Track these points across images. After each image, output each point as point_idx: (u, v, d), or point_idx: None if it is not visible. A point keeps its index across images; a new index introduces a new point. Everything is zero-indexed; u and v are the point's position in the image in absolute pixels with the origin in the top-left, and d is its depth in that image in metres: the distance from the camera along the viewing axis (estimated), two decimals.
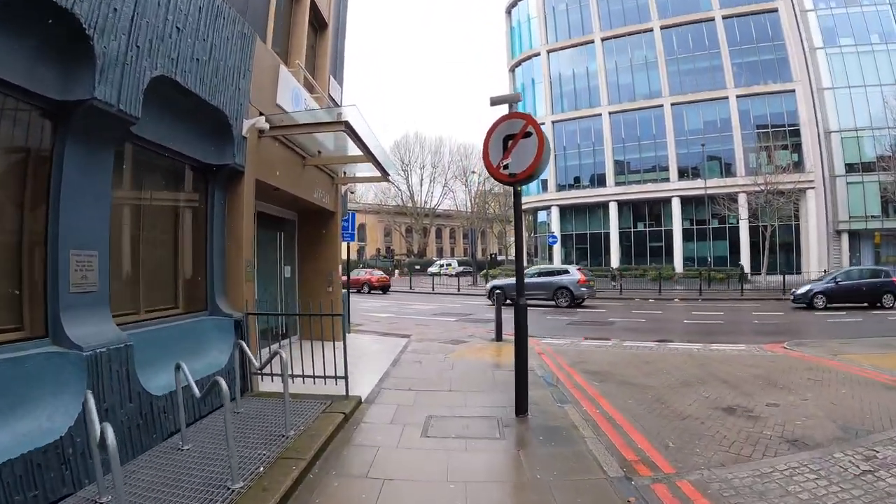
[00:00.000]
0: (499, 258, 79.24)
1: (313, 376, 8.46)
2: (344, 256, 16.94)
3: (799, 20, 43.70)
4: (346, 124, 9.06)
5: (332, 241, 14.09)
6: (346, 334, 15.39)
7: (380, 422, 7.40)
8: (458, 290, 40.28)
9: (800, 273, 39.84)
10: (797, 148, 43.36)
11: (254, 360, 7.61)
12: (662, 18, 47.90)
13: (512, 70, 57.21)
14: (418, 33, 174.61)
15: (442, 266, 65.80)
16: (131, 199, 6.88)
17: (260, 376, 8.55)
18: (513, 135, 7.37)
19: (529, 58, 55.02)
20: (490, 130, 7.54)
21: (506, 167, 7.43)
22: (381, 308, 26.18)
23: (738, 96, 44.86)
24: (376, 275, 42.03)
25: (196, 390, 5.55)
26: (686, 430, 7.03)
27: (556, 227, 50.96)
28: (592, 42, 50.77)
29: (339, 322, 13.36)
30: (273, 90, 9.84)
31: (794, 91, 43.51)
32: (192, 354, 7.10)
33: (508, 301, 21.18)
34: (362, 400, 8.49)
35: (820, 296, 23.85)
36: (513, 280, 27.82)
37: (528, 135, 7.28)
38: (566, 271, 27.68)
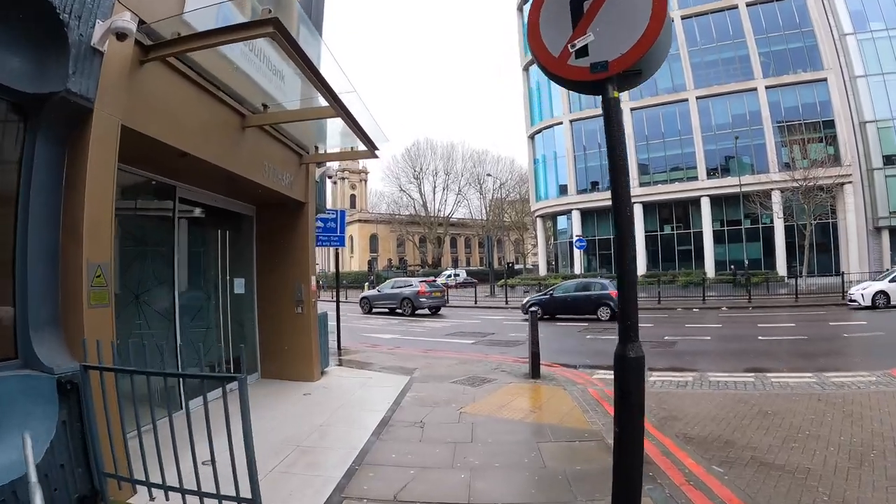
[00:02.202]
0: (516, 267, 74.94)
1: (209, 495, 4.15)
2: (340, 265, 13.05)
3: (826, 4, 39.59)
4: (275, 23, 4.95)
5: (301, 242, 9.97)
6: (326, 369, 11.41)
7: None
8: (476, 302, 35.98)
9: (839, 274, 35.55)
10: (832, 140, 39.07)
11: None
12: (683, 8, 43.89)
13: (526, 69, 52.94)
14: (426, 39, 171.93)
15: (449, 276, 62.89)
16: None
17: (119, 481, 4.49)
18: None
19: None
20: None
21: (580, 51, 3.36)
22: (384, 327, 21.95)
23: (767, 87, 40.72)
24: None
25: None
26: None
27: (577, 233, 46.59)
28: None
29: (311, 357, 9.44)
30: None
31: (825, 80, 39.32)
32: None
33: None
34: None
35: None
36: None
37: None
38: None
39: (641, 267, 44.41)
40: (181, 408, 9.21)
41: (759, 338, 15.41)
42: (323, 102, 7.14)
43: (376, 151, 9.01)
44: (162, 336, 7.63)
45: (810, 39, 39.92)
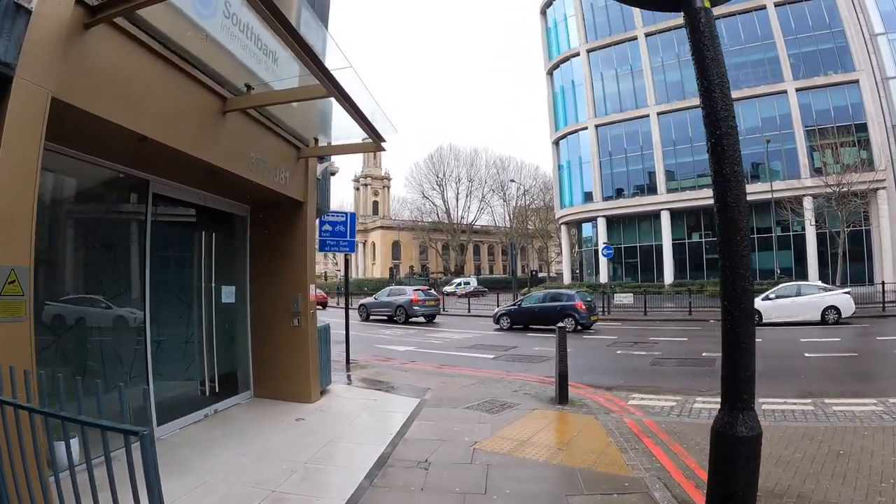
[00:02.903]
0: (539, 275, 73.37)
1: None
2: (350, 272, 11.87)
3: (856, 4, 37.56)
4: None
5: (298, 247, 8.80)
6: (328, 387, 10.26)
7: None
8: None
9: (872, 283, 33.57)
10: (865, 144, 36.95)
11: None
12: None
13: (550, 73, 51.65)
14: (448, 45, 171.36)
15: (459, 285, 60.32)
16: None
17: None
18: None
19: (568, 59, 49.41)
20: None
21: None
22: (401, 338, 20.64)
23: (797, 90, 38.87)
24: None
25: None
26: None
27: (602, 240, 45.01)
28: (635, 38, 45.11)
29: (309, 375, 8.33)
30: None
31: (857, 81, 37.25)
32: None
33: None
34: None
35: None
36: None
37: None
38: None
39: (669, 276, 43.03)
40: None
41: (805, 354, 13.90)
42: (315, 82, 6.01)
43: (383, 144, 7.85)
44: (128, 353, 6.54)
45: (841, 40, 38.06)
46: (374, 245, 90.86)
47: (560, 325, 20.74)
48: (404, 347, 17.19)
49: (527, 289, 40.61)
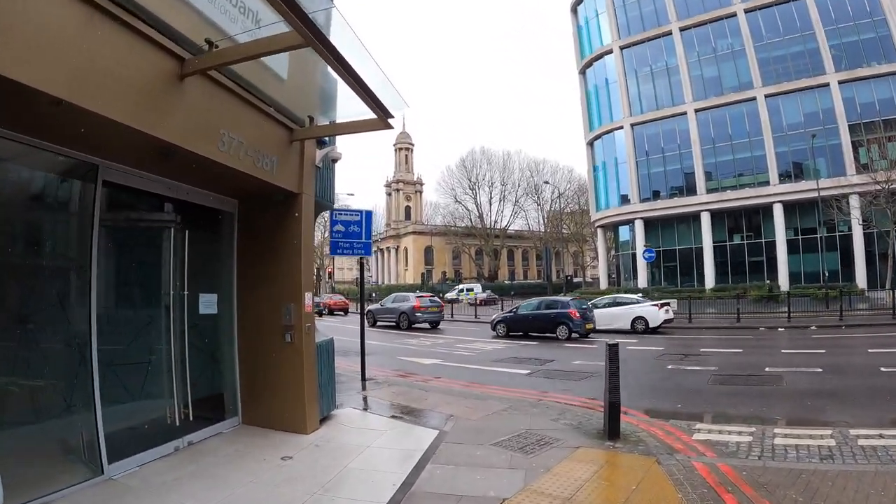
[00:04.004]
0: (574, 280, 71.16)
1: None
2: (366, 277, 10.33)
3: None
4: None
5: (291, 248, 7.25)
6: (333, 412, 8.68)
7: None
8: None
9: None
10: None
11: None
12: (745, 2, 40.11)
13: (582, 72, 49.87)
14: (478, 46, 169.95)
15: (461, 291, 56.99)
16: None
17: None
18: None
19: (601, 56, 47.69)
20: None
21: None
22: (429, 349, 18.90)
23: (840, 82, 36.52)
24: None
25: None
26: None
27: (640, 244, 43.05)
28: (670, 33, 43.20)
29: (303, 401, 6.91)
30: None
31: None
32: None
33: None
34: None
35: None
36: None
37: None
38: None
39: (709, 280, 41.00)
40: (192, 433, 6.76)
41: (882, 369, 11.91)
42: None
43: (390, 120, 6.31)
44: (66, 378, 5.15)
45: (883, 29, 35.82)
46: (406, 250, 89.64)
47: (557, 334, 19.62)
48: (429, 360, 15.56)
49: (562, 294, 38.57)
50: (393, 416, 8.38)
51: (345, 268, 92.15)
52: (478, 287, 58.15)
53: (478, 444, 6.78)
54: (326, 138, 7.79)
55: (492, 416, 8.20)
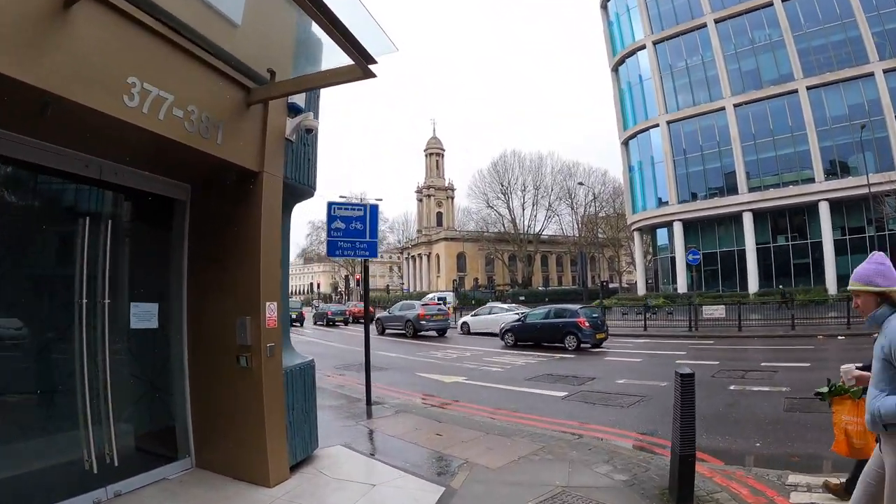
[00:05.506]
0: (611, 286, 68.48)
1: None
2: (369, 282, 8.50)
3: None
4: None
5: (248, 245, 5.47)
6: (315, 452, 6.72)
7: None
8: None
9: None
10: None
11: None
12: None
13: (615, 69, 47.47)
14: (506, 48, 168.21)
15: (441, 300, 48.03)
16: None
17: None
18: None
19: (633, 52, 45.28)
20: None
21: None
22: (454, 364, 16.78)
23: (885, 71, 33.57)
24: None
25: None
26: None
27: (679, 246, 40.63)
28: (705, 26, 40.57)
29: (264, 443, 5.18)
30: None
31: None
32: None
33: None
34: None
35: None
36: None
37: None
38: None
39: (753, 284, 38.24)
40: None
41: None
42: None
43: (372, 67, 4.52)
44: None
45: None
46: (438, 257, 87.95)
47: (565, 343, 18.16)
48: (451, 378, 13.60)
49: (598, 300, 36.33)
50: (387, 463, 6.36)
51: (376, 275, 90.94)
52: (450, 296, 53.95)
53: None
54: (301, 105, 6.03)
55: (517, 465, 6.22)
